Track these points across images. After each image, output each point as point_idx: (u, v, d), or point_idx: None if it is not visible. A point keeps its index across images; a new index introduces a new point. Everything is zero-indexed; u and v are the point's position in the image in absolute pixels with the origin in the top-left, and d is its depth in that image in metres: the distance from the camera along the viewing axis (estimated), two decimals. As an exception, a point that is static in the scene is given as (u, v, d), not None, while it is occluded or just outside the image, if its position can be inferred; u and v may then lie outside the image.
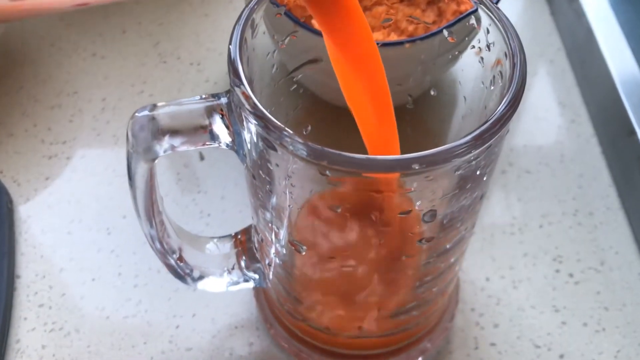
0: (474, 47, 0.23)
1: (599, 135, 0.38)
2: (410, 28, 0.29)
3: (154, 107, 0.20)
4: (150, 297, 0.31)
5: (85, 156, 0.37)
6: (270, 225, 0.23)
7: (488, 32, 0.21)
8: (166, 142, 0.20)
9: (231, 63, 0.19)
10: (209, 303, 0.31)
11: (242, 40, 0.20)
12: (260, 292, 0.31)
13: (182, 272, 0.26)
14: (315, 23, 0.27)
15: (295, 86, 0.25)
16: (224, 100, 0.20)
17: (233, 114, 0.20)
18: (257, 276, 0.27)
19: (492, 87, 0.22)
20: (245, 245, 0.27)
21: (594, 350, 0.30)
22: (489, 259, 0.33)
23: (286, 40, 0.24)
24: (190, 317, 0.31)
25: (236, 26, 0.20)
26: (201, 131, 0.20)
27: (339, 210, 0.21)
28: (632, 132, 0.34)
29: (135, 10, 0.44)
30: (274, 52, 0.23)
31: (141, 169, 0.22)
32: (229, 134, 0.21)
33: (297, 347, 0.29)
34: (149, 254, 0.26)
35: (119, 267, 0.32)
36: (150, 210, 0.23)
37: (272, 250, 0.24)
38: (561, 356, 0.30)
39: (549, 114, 0.39)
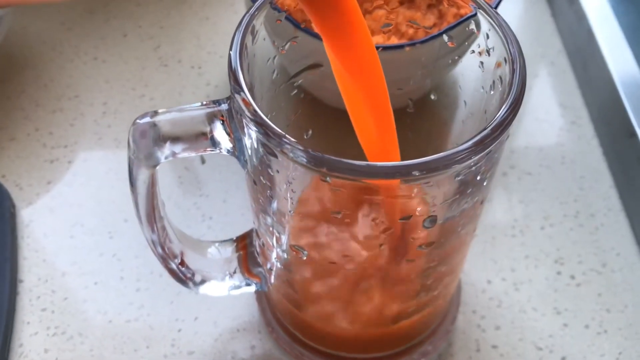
0: (473, 51, 0.23)
1: (600, 136, 0.38)
2: (411, 31, 0.29)
3: (154, 113, 0.20)
4: (152, 301, 0.31)
5: (86, 160, 0.37)
6: (271, 229, 0.23)
7: (487, 37, 0.21)
8: (167, 148, 0.21)
9: (232, 70, 0.19)
10: (211, 306, 0.31)
11: (243, 46, 0.20)
12: (262, 296, 0.31)
13: (184, 277, 0.26)
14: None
15: (296, 91, 0.25)
16: (224, 106, 0.20)
17: (234, 120, 0.20)
18: (258, 280, 0.27)
19: (492, 92, 0.22)
20: (247, 250, 0.27)
21: (596, 352, 0.30)
22: (491, 261, 0.33)
23: (287, 46, 0.24)
24: (193, 320, 0.31)
25: (236, 33, 0.20)
26: (202, 137, 0.21)
27: (339, 216, 0.21)
28: (633, 133, 0.34)
29: (136, 13, 0.44)
30: (274, 57, 0.23)
31: (142, 175, 0.22)
32: (230, 140, 0.21)
33: (299, 350, 0.29)
34: (151, 258, 0.26)
35: (121, 270, 0.32)
36: (152, 216, 0.23)
37: (274, 255, 0.25)
38: (563, 358, 0.30)
39: (549, 115, 0.39)
